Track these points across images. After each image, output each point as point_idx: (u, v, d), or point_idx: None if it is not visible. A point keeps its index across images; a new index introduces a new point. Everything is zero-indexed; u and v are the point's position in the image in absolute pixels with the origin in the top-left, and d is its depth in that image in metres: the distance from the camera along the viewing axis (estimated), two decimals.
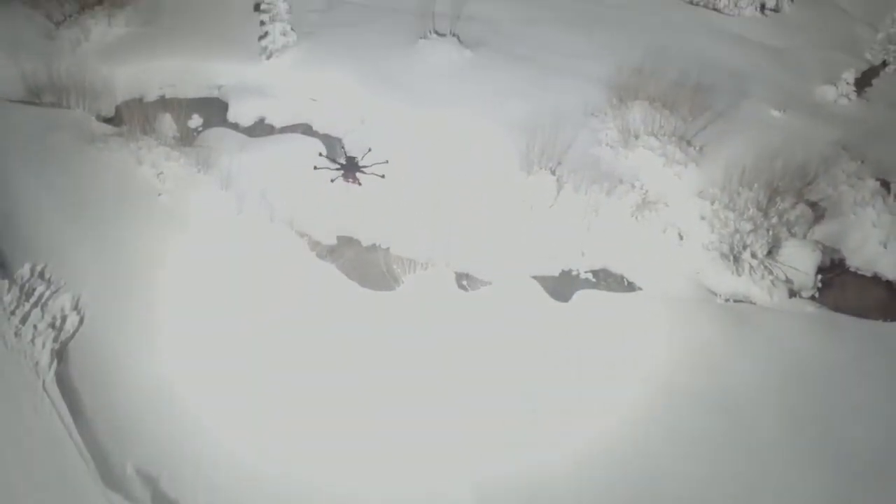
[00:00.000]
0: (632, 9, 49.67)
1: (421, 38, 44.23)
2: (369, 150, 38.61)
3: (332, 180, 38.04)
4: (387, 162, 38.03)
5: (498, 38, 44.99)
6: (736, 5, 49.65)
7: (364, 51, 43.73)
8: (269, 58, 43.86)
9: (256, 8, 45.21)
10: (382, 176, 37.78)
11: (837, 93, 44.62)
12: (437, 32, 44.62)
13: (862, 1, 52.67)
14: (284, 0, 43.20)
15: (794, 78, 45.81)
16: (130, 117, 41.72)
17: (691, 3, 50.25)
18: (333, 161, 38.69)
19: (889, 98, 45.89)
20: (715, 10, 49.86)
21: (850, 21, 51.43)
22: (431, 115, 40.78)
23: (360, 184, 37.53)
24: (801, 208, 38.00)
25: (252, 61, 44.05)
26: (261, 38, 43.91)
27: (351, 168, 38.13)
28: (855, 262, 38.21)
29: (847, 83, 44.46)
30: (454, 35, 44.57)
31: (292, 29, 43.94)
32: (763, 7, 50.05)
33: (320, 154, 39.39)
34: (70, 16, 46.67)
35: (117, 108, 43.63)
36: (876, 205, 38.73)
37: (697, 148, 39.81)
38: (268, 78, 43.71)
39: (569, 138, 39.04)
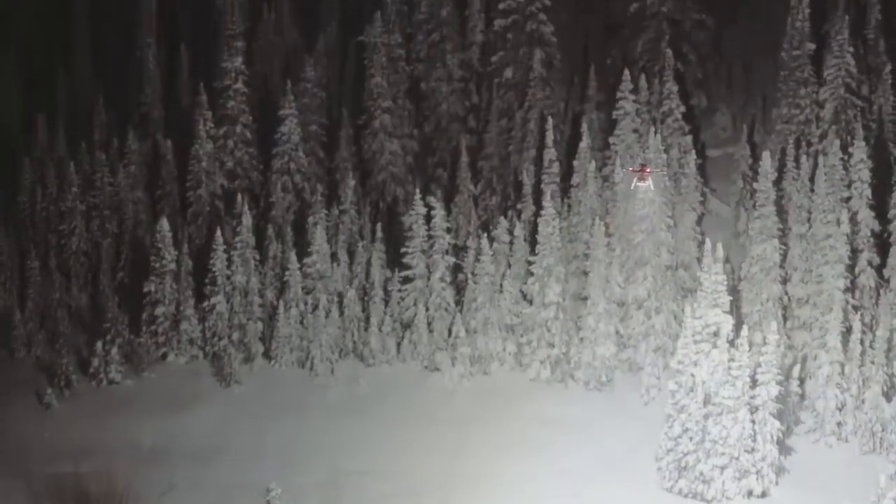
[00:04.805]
0: None
1: None
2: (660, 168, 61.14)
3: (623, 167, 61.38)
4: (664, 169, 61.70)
5: None
6: (724, 495, 49.52)
7: None
8: None
9: None
10: (664, 173, 60.82)
11: None
12: None
13: None
14: None
15: None
16: None
17: (680, 493, 50.20)
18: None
19: None
20: (704, 501, 49.73)
21: None
22: None
23: (646, 181, 58.53)
24: None
25: None
26: None
27: (643, 169, 59.15)
28: None
29: None
30: None
31: None
32: (750, 493, 49.96)
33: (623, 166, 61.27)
34: None
35: None
36: None
37: None
38: None
39: None
